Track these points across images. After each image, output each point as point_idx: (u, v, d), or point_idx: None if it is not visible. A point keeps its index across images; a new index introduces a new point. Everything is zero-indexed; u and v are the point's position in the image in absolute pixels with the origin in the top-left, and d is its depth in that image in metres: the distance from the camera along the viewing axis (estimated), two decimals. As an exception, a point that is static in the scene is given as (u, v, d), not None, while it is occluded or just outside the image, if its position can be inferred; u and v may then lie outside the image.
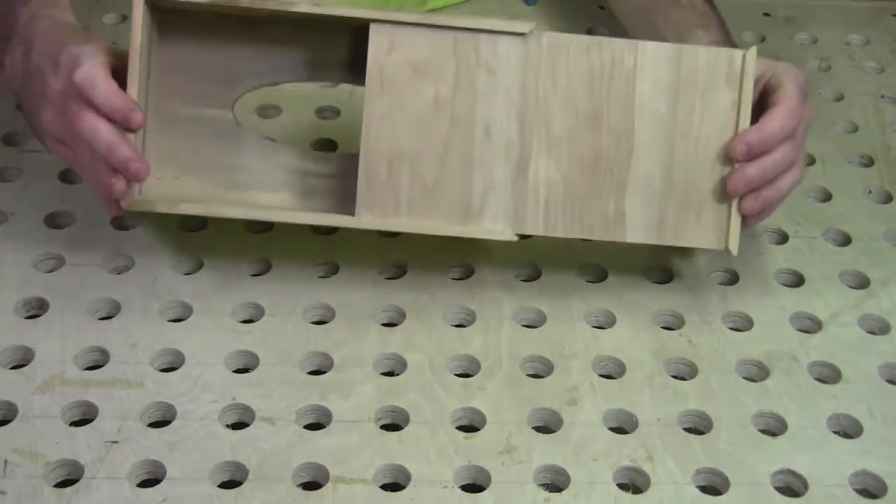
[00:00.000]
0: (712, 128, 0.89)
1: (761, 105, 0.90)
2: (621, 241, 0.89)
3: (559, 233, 0.89)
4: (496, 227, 0.89)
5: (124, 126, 0.84)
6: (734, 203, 0.89)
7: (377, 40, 0.88)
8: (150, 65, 0.90)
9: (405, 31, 0.88)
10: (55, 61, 0.86)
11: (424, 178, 0.88)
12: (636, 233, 0.89)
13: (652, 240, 0.90)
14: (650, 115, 0.89)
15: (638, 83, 0.89)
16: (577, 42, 0.89)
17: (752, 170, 0.88)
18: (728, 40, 0.99)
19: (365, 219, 0.88)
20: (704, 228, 0.89)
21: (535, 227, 0.89)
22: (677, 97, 0.89)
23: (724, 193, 0.89)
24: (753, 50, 0.89)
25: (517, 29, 0.88)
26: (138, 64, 0.86)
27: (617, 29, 1.23)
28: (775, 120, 0.88)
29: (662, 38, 0.98)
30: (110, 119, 0.84)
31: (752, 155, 0.88)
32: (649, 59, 0.89)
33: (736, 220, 0.89)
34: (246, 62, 0.93)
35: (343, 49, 0.93)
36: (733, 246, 0.89)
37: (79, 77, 0.84)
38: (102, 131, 0.84)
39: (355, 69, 0.93)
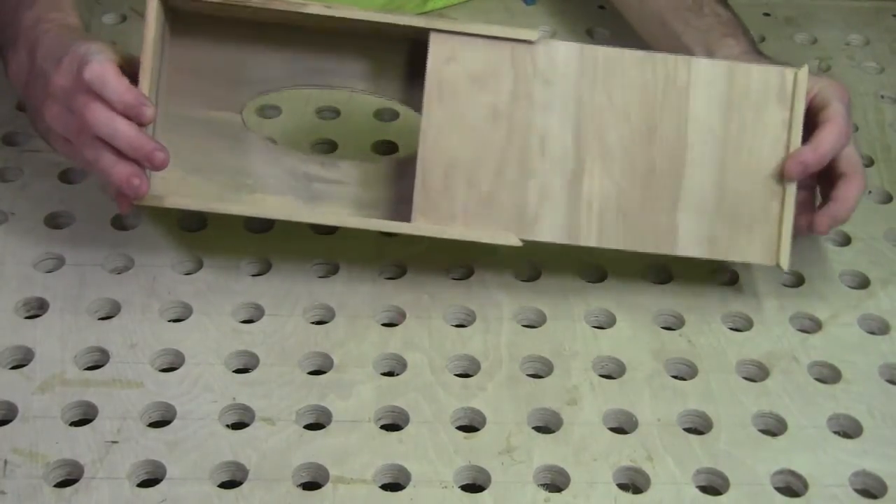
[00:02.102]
0: (764, 144, 0.90)
1: (807, 121, 0.91)
2: (672, 254, 0.90)
3: (612, 245, 0.89)
4: (500, 232, 0.89)
5: (136, 121, 0.84)
6: (786, 219, 0.89)
7: (436, 50, 0.89)
8: (161, 65, 0.90)
9: (463, 42, 0.89)
10: (58, 60, 0.86)
11: (480, 187, 0.88)
12: (688, 247, 0.89)
13: (703, 254, 0.90)
14: (702, 130, 0.90)
15: (691, 98, 0.90)
16: (632, 56, 0.90)
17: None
18: (756, 49, 0.99)
19: (421, 225, 0.89)
20: (755, 244, 0.89)
21: (589, 239, 0.89)
22: (730, 113, 0.90)
23: (775, 209, 0.89)
24: (805, 69, 0.90)
25: (523, 36, 0.89)
26: (150, 59, 0.86)
27: (618, 29, 1.23)
28: (828, 139, 0.89)
29: (685, 46, 1.00)
30: (122, 114, 0.84)
31: (808, 174, 0.90)
32: (703, 75, 0.90)
33: (787, 236, 0.89)
34: (256, 67, 0.93)
35: (357, 58, 0.94)
36: (784, 262, 0.89)
37: (88, 74, 0.84)
38: (121, 124, 0.83)
39: (370, 77, 0.94)
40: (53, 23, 0.90)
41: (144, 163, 0.84)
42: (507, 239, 0.89)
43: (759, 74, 0.90)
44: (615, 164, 0.89)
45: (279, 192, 0.92)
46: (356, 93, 0.95)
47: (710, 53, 0.98)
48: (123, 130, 0.83)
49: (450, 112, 0.89)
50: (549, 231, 0.89)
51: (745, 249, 0.90)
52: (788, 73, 0.90)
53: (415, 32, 0.90)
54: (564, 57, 0.90)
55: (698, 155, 0.90)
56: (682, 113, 0.90)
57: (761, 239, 0.89)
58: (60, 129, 0.87)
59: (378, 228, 0.91)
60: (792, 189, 0.90)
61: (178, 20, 0.91)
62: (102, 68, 0.84)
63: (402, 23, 0.89)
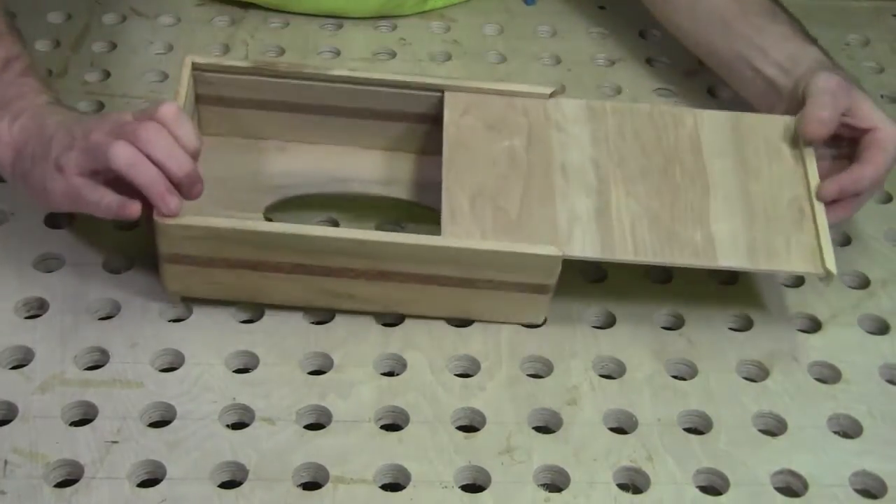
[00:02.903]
0: (782, 172, 0.92)
1: (853, 135, 0.94)
2: (715, 266, 0.87)
3: (650, 258, 0.87)
4: (538, 244, 0.86)
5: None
6: (821, 227, 0.88)
7: (451, 104, 0.93)
8: None
9: (477, 97, 0.93)
10: (99, 119, 0.86)
11: (508, 211, 0.88)
12: (729, 258, 0.87)
13: (745, 264, 0.87)
14: (719, 161, 0.92)
15: (701, 136, 0.93)
16: (639, 108, 0.95)
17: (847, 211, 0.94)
18: (832, 59, 1.01)
19: (457, 240, 0.85)
20: (794, 255, 0.88)
21: (625, 254, 0.86)
22: (742, 149, 0.92)
23: (808, 226, 0.89)
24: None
25: (539, 91, 0.94)
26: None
27: (618, 29, 1.23)
28: (869, 171, 0.92)
29: (760, 48, 1.02)
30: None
31: (842, 197, 0.92)
32: (707, 122, 0.94)
33: (827, 243, 0.88)
34: (277, 177, 0.96)
35: (372, 166, 0.97)
36: (832, 266, 0.86)
37: (166, 107, 0.83)
38: (177, 148, 0.83)
39: (384, 182, 0.97)
40: (60, 106, 0.91)
41: (184, 188, 0.83)
42: (546, 250, 0.85)
43: (761, 121, 0.94)
44: (639, 188, 0.90)
45: None
46: (371, 197, 0.97)
47: (793, 59, 1.00)
48: (179, 152, 0.82)
49: (469, 154, 0.90)
50: (584, 248, 0.86)
51: (787, 260, 0.87)
52: (789, 120, 0.94)
53: (433, 106, 0.94)
54: (574, 108, 0.93)
55: (719, 180, 0.91)
56: (695, 145, 0.92)
57: (800, 250, 0.88)
58: (83, 161, 0.84)
59: (413, 243, 0.85)
60: (820, 204, 0.90)
61: (203, 125, 0.95)
62: (179, 108, 0.84)
63: (419, 80, 0.94)
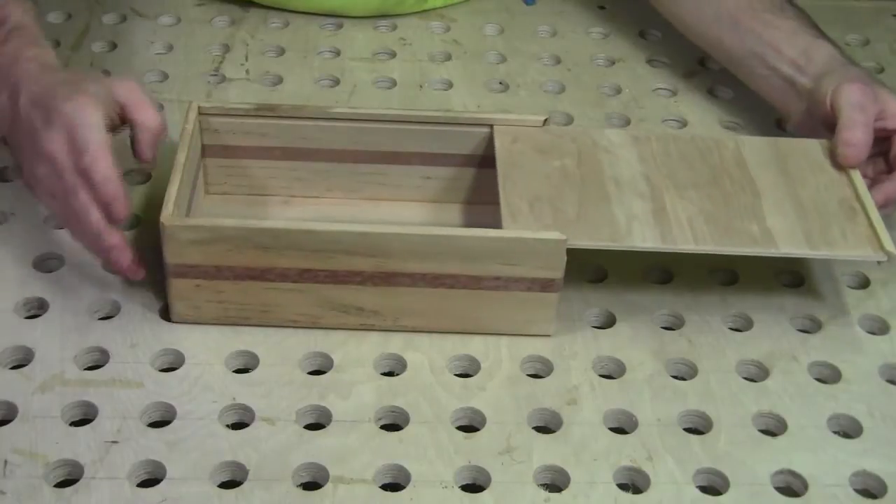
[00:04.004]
0: (827, 180, 0.94)
1: (887, 135, 0.96)
2: (776, 254, 0.88)
3: (710, 246, 0.88)
4: (547, 231, 0.86)
5: (107, 215, 0.84)
6: (871, 211, 0.90)
7: (500, 135, 0.96)
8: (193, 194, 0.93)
9: (523, 128, 0.96)
10: (47, 118, 0.84)
11: (566, 212, 0.89)
12: (789, 246, 0.88)
13: (806, 251, 0.89)
14: (764, 173, 0.94)
15: (744, 154, 0.96)
16: (680, 135, 1.00)
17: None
18: (845, 54, 1.03)
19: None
20: (852, 242, 0.89)
21: (686, 243, 0.88)
22: (785, 164, 0.95)
23: (861, 217, 0.90)
24: None
25: (531, 122, 0.96)
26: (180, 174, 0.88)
27: (618, 30, 1.23)
28: None
29: (770, 44, 1.03)
30: (101, 202, 0.83)
31: (888, 204, 0.95)
32: (748, 144, 0.97)
33: (880, 224, 0.89)
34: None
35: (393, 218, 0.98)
36: (890, 246, 0.88)
37: (86, 160, 0.83)
38: (94, 217, 0.84)
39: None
40: (34, 62, 0.88)
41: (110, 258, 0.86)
42: (551, 235, 0.85)
43: (802, 144, 0.97)
44: (692, 195, 0.92)
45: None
46: None
47: (806, 55, 1.01)
48: (94, 223, 0.84)
49: (523, 171, 0.93)
50: (644, 239, 0.88)
51: (844, 245, 0.89)
52: (826, 142, 0.97)
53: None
54: (619, 137, 0.97)
55: (768, 186, 0.93)
56: (740, 161, 0.95)
57: (856, 238, 0.89)
58: (47, 188, 0.85)
59: (418, 233, 0.85)
60: (866, 192, 0.92)
61: (209, 182, 0.96)
62: (96, 156, 0.83)
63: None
